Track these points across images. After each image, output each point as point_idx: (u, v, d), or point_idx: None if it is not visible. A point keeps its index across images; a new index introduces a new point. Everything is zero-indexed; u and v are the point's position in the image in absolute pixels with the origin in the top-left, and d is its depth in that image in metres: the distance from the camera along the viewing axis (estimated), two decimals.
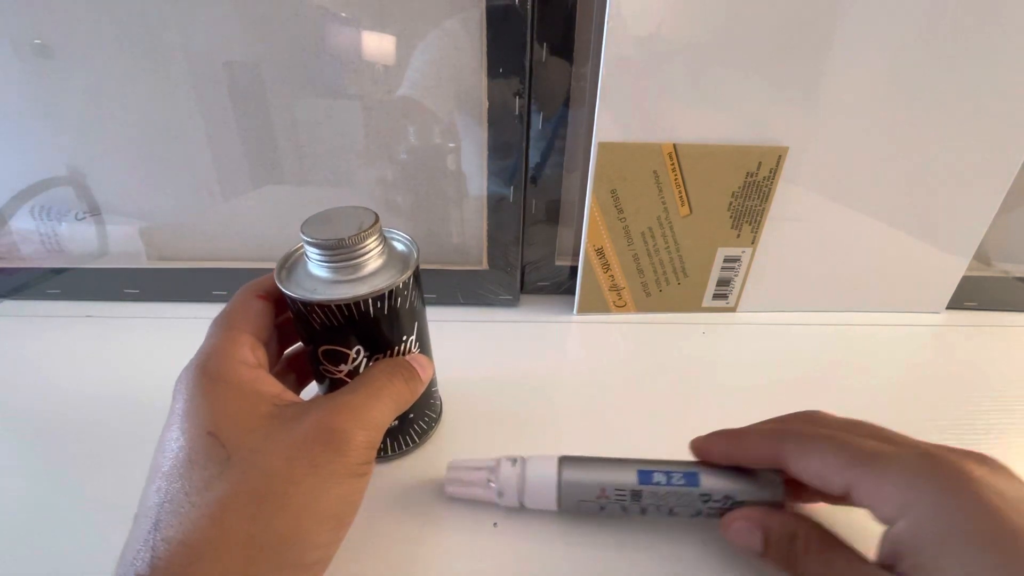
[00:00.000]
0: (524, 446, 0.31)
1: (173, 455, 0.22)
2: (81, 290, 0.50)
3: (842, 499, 0.24)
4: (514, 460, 0.29)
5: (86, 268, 0.50)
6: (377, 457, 0.34)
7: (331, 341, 0.28)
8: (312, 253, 0.27)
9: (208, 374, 0.24)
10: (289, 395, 0.26)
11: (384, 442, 0.33)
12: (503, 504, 0.29)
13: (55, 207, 0.48)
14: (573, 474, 0.28)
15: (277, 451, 0.22)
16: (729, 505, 0.27)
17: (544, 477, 0.28)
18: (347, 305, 0.26)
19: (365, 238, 0.27)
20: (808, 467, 0.24)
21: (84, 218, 0.49)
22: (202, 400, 0.23)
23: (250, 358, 0.26)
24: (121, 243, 0.50)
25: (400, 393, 0.27)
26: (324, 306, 0.26)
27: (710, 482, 0.27)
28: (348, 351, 0.28)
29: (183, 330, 0.47)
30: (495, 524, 0.30)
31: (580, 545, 0.30)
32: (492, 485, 0.28)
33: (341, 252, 0.27)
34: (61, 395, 0.39)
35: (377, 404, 0.25)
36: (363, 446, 0.23)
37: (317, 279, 0.28)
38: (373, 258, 0.28)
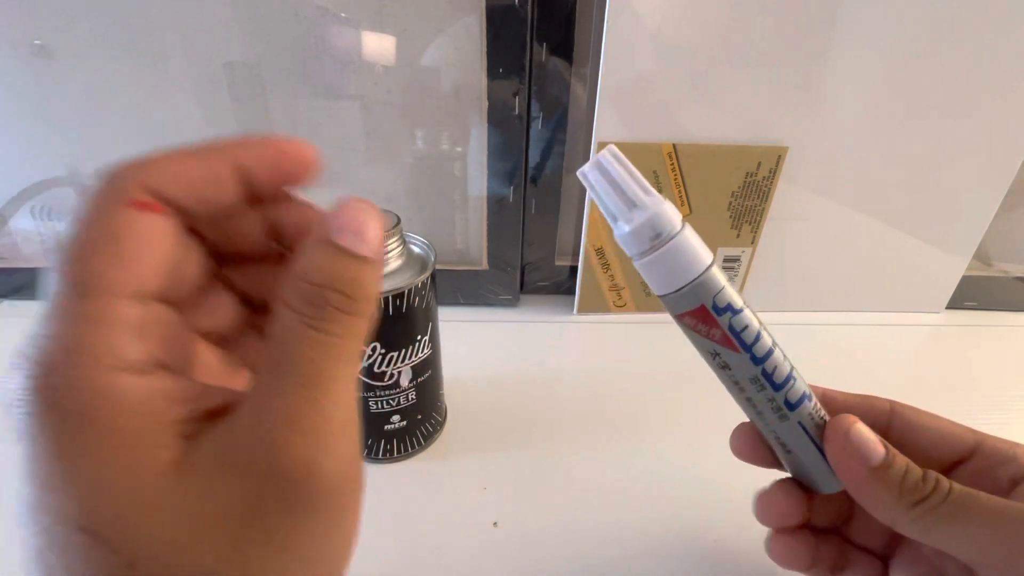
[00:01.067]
0: (525, 445, 0.31)
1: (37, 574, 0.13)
2: None
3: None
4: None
5: None
6: (379, 458, 0.34)
7: None
8: None
9: (59, 409, 0.12)
10: (209, 399, 0.14)
11: (390, 443, 0.34)
12: (624, 234, 0.20)
13: (55, 207, 0.48)
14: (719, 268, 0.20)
15: (209, 536, 0.12)
16: (822, 420, 0.22)
17: (700, 240, 0.20)
18: None
19: (387, 238, 0.28)
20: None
21: None
22: (55, 465, 0.12)
23: (133, 352, 0.13)
24: None
25: (350, 335, 0.14)
26: None
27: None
28: (364, 348, 0.29)
29: None
30: (495, 524, 0.30)
31: (580, 544, 0.30)
32: (637, 207, 0.20)
33: None
34: None
35: (333, 391, 0.13)
36: (339, 476, 0.13)
37: None
38: (393, 258, 0.29)
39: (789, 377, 0.21)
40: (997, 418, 0.39)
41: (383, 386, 0.31)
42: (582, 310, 0.50)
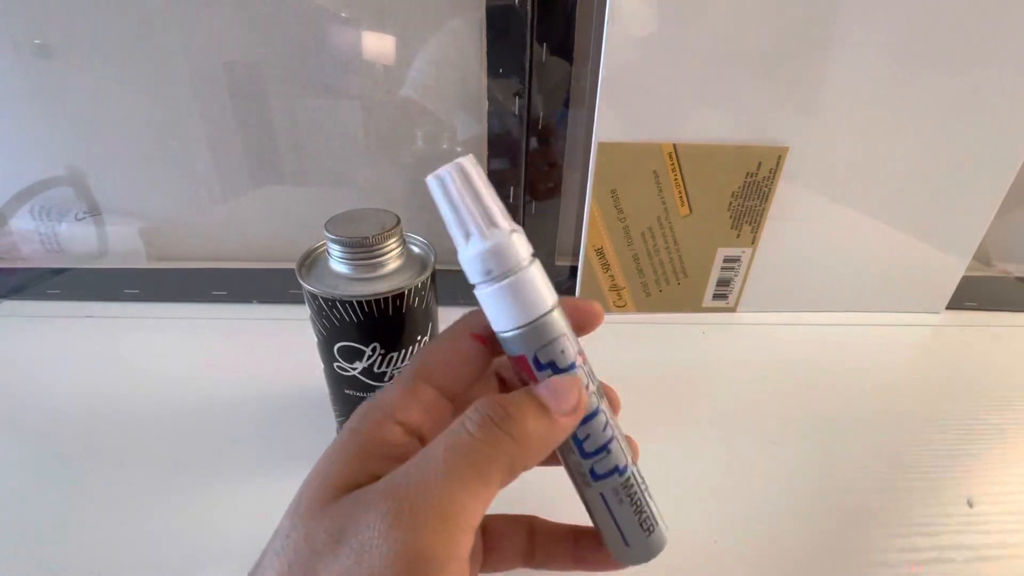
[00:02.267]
0: None
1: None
2: (81, 290, 0.50)
3: None
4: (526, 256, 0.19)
5: (86, 268, 0.50)
6: None
7: (348, 338, 0.29)
8: (335, 250, 0.28)
9: (352, 422, 0.19)
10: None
11: None
12: (474, 251, 0.18)
13: (55, 207, 0.48)
14: (563, 314, 0.19)
15: (317, 566, 0.15)
16: (644, 488, 0.21)
17: (545, 283, 0.19)
18: (367, 301, 0.27)
19: (387, 238, 0.28)
20: None
21: (84, 218, 0.49)
22: (328, 451, 0.18)
23: (412, 418, 0.19)
24: (121, 243, 0.50)
25: (510, 457, 0.17)
26: (345, 302, 0.27)
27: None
28: (364, 348, 0.29)
29: (183, 330, 0.47)
30: None
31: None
32: (473, 235, 0.18)
33: (364, 250, 0.28)
34: (61, 395, 0.39)
35: (442, 472, 0.16)
36: (412, 555, 0.15)
37: (338, 276, 0.28)
38: (393, 258, 0.29)
39: (602, 449, 0.20)
40: (997, 418, 0.40)
41: (383, 387, 0.30)
42: None
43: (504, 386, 0.23)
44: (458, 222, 0.18)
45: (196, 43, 0.42)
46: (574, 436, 0.19)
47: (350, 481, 0.17)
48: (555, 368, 0.18)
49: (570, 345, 0.19)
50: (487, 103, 0.43)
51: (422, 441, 0.19)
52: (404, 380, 0.20)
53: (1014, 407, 0.41)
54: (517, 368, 0.19)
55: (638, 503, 0.21)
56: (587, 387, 0.19)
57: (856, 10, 0.38)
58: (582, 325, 0.20)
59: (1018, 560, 0.30)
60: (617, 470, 0.20)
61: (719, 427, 0.38)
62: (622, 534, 0.21)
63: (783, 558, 0.29)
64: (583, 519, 0.22)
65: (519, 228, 0.19)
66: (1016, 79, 0.41)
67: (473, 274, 0.18)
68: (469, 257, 0.18)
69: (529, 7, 0.39)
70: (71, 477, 0.33)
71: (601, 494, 0.20)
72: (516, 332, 0.18)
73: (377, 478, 0.17)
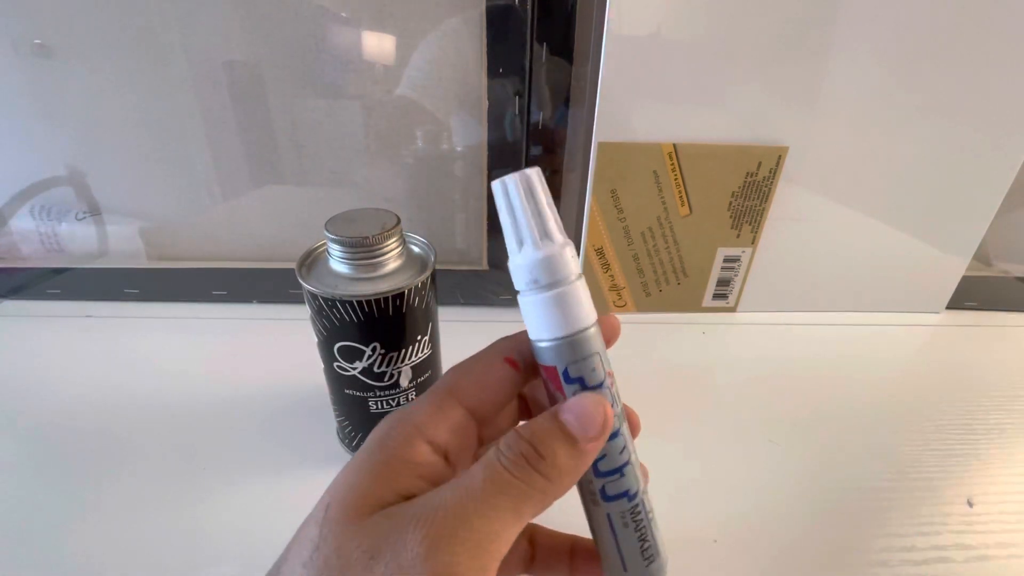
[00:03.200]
0: None
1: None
2: (81, 290, 0.50)
3: None
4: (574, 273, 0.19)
5: (86, 268, 0.50)
6: None
7: (348, 337, 0.29)
8: (335, 250, 0.28)
9: (380, 433, 0.19)
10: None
11: None
12: (525, 259, 0.19)
13: (55, 207, 0.48)
14: (599, 334, 0.20)
15: (338, 543, 0.16)
16: (650, 516, 0.22)
17: (588, 300, 0.19)
18: (367, 301, 0.27)
19: (387, 238, 0.28)
20: None
21: (84, 218, 0.49)
22: (354, 458, 0.18)
23: (440, 437, 0.19)
24: (121, 243, 0.50)
25: (526, 484, 0.17)
26: (345, 301, 0.27)
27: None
28: (364, 348, 0.29)
29: (183, 330, 0.47)
30: None
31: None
32: (526, 243, 0.19)
33: (364, 250, 0.28)
34: (61, 395, 0.39)
35: (484, 513, 0.16)
36: None
37: (338, 276, 0.28)
38: (393, 258, 0.29)
39: (616, 471, 0.20)
40: (997, 418, 0.40)
41: (383, 386, 0.30)
42: None
43: (524, 405, 0.24)
44: (514, 229, 0.19)
45: (196, 43, 0.42)
46: (601, 455, 0.19)
47: (382, 499, 0.17)
48: (583, 384, 0.19)
49: (602, 365, 0.19)
50: (487, 103, 0.43)
51: (447, 460, 0.19)
52: (435, 397, 0.20)
53: (1014, 407, 0.41)
54: (546, 377, 0.19)
55: (642, 531, 0.21)
56: (612, 406, 0.19)
57: (856, 10, 0.38)
58: (606, 339, 0.20)
59: (1018, 560, 0.30)
60: (627, 494, 0.20)
61: (719, 427, 0.38)
62: (622, 558, 0.21)
63: (783, 558, 0.29)
64: (583, 530, 0.22)
65: (571, 243, 0.19)
66: (1016, 79, 0.41)
67: (520, 281, 0.19)
68: (519, 264, 0.19)
69: (529, 7, 0.39)
70: (71, 477, 0.33)
71: (608, 515, 0.20)
72: (553, 343, 0.18)
73: (406, 497, 0.17)
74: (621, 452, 0.20)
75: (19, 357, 0.44)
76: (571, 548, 0.23)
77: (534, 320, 0.19)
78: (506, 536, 0.17)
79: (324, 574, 0.16)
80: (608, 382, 0.19)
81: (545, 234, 0.18)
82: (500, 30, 0.40)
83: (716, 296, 0.51)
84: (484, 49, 0.41)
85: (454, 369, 0.21)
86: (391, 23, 0.41)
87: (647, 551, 0.21)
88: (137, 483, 0.33)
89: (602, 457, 0.19)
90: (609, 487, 0.20)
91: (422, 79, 0.43)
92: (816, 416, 0.39)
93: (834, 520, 0.32)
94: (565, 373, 0.19)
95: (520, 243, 0.19)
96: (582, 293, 0.19)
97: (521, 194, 0.18)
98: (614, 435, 0.19)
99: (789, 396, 0.41)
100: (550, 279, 0.18)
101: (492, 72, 0.42)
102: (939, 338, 0.50)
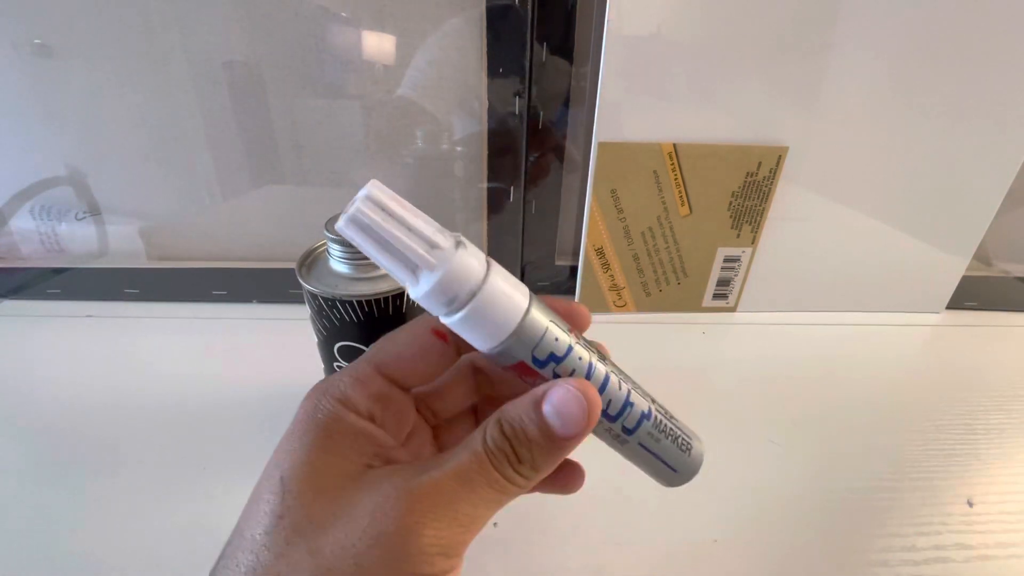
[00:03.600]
0: None
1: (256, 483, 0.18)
2: (81, 290, 0.50)
3: None
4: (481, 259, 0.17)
5: (86, 268, 0.50)
6: None
7: (348, 337, 0.29)
8: (335, 250, 0.28)
9: (309, 406, 0.19)
10: (398, 453, 0.20)
11: None
12: (426, 286, 0.16)
13: (55, 207, 0.48)
14: (541, 302, 0.19)
15: (321, 540, 0.16)
16: (669, 417, 0.21)
17: (512, 283, 0.18)
18: (367, 301, 0.27)
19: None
20: None
21: (84, 218, 0.49)
22: (290, 433, 0.19)
23: (362, 405, 0.19)
24: (121, 243, 0.50)
25: (506, 470, 0.18)
26: (345, 301, 0.27)
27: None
28: (364, 347, 0.29)
29: (183, 330, 0.47)
30: (495, 524, 0.30)
31: (580, 544, 0.30)
32: (419, 269, 0.16)
33: None
34: (61, 395, 0.39)
35: (470, 487, 0.17)
36: (434, 551, 0.16)
37: (338, 275, 0.29)
38: None
39: (625, 405, 0.20)
40: (997, 418, 0.40)
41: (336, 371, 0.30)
42: None
43: (481, 375, 0.23)
44: (395, 260, 0.16)
45: (196, 43, 0.42)
46: (605, 404, 0.20)
47: (343, 469, 0.18)
48: (555, 359, 0.18)
49: (559, 331, 0.18)
50: (487, 103, 0.43)
51: (374, 423, 0.19)
52: (356, 368, 0.20)
53: (1014, 407, 0.41)
54: (520, 374, 0.19)
55: (671, 432, 0.21)
56: (588, 361, 0.19)
57: (856, 10, 0.38)
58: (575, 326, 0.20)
59: (1018, 560, 0.30)
60: (645, 416, 0.20)
61: (719, 427, 0.38)
62: (667, 465, 0.21)
63: (783, 558, 0.29)
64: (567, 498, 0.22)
65: (458, 236, 0.17)
66: (1016, 79, 0.41)
67: (436, 308, 0.17)
68: (425, 293, 0.16)
69: (529, 7, 0.39)
70: (71, 477, 0.33)
71: (639, 443, 0.21)
72: (503, 346, 0.17)
73: (367, 467, 0.18)
74: (620, 388, 0.20)
75: (19, 357, 0.44)
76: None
77: (472, 336, 0.18)
78: (484, 520, 0.17)
79: (294, 540, 0.16)
80: (573, 341, 0.19)
81: (430, 245, 0.16)
82: (500, 30, 0.40)
83: (716, 296, 0.51)
84: (484, 49, 0.41)
85: (380, 340, 0.21)
86: (391, 23, 0.41)
87: (683, 445, 0.21)
88: (137, 483, 0.33)
89: (608, 403, 0.19)
90: (627, 422, 0.20)
91: (422, 79, 0.43)
92: (816, 416, 0.39)
93: (834, 520, 0.32)
94: (534, 360, 0.18)
95: (412, 271, 0.16)
96: (500, 282, 0.17)
97: (378, 219, 0.15)
98: (606, 380, 0.19)
99: (789, 396, 0.41)
100: (464, 290, 0.16)
101: (492, 72, 0.42)
102: (939, 338, 0.50)
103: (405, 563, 0.16)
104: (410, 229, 0.16)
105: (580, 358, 0.19)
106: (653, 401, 0.21)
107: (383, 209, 0.16)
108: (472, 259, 0.17)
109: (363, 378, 0.20)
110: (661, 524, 0.31)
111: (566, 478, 0.23)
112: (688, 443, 0.22)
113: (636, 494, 0.32)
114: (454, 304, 0.17)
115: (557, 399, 0.18)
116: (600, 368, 0.19)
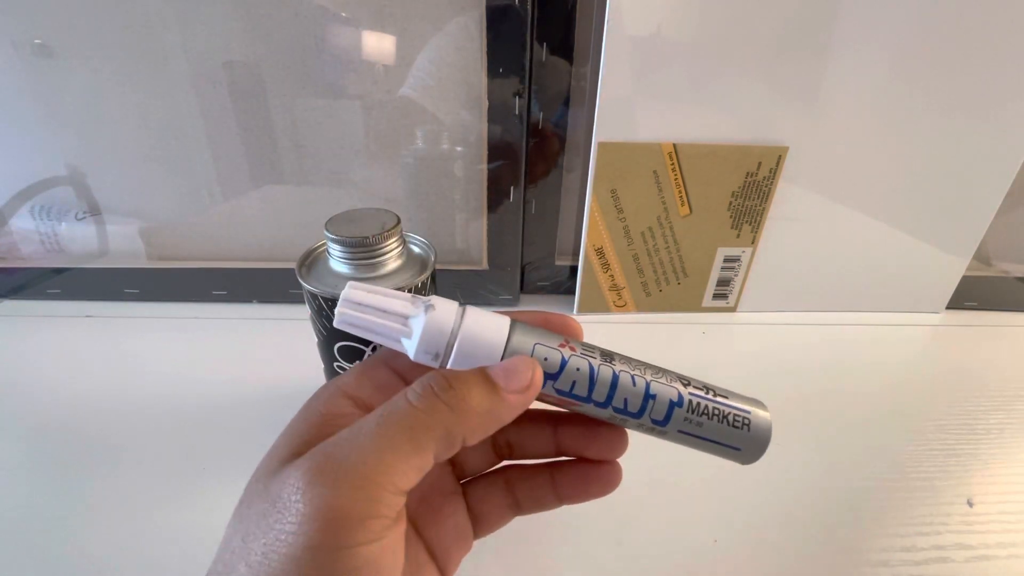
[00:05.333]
0: None
1: None
2: (81, 290, 0.50)
3: None
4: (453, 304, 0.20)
5: (86, 268, 0.50)
6: None
7: (348, 337, 0.29)
8: (335, 250, 0.28)
9: (310, 398, 0.20)
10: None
11: None
12: (412, 349, 0.19)
13: (55, 207, 0.48)
14: (525, 326, 0.20)
15: (251, 501, 0.17)
16: (711, 397, 0.21)
17: (490, 319, 0.20)
18: None
19: (387, 238, 0.28)
20: None
21: (84, 218, 0.49)
22: (290, 423, 0.20)
23: (363, 393, 0.20)
24: (121, 243, 0.50)
25: (446, 427, 0.17)
26: None
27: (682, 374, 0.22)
28: (364, 348, 0.29)
29: (183, 330, 0.47)
30: None
31: (580, 544, 0.30)
32: (403, 339, 0.19)
33: (364, 250, 0.28)
34: (61, 395, 0.39)
35: (401, 452, 0.16)
36: (327, 509, 0.15)
37: (338, 276, 0.29)
38: (393, 258, 0.29)
39: (647, 398, 0.20)
40: (997, 418, 0.39)
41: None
42: (582, 310, 0.50)
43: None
44: (383, 338, 0.19)
45: (196, 43, 0.42)
46: (614, 408, 0.20)
47: (295, 450, 0.17)
48: (552, 377, 0.19)
49: (546, 347, 0.19)
50: (487, 103, 0.43)
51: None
52: (364, 363, 0.21)
53: (1014, 407, 0.41)
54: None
55: (716, 412, 0.20)
56: (589, 368, 0.19)
57: (856, 10, 0.38)
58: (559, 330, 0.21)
59: (1018, 560, 0.30)
60: (675, 404, 0.20)
61: None
62: (726, 445, 0.21)
63: (783, 558, 0.29)
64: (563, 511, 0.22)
65: (425, 299, 0.19)
66: (1016, 79, 0.41)
67: (432, 362, 0.19)
68: (416, 356, 0.19)
69: (529, 7, 0.39)
70: (71, 477, 0.33)
71: (678, 431, 0.20)
72: None
73: None
74: (635, 385, 0.20)
75: (19, 357, 0.44)
76: (550, 474, 0.23)
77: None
78: (402, 469, 0.16)
79: (242, 527, 0.16)
80: (568, 354, 0.19)
81: (404, 318, 0.19)
82: (500, 30, 0.40)
83: (716, 296, 0.51)
84: (484, 49, 0.41)
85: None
86: (391, 23, 0.41)
87: (737, 422, 0.21)
88: (137, 483, 0.33)
89: (624, 403, 0.20)
90: (655, 414, 0.20)
91: (422, 79, 0.43)
92: (816, 416, 0.39)
93: (834, 520, 0.32)
94: (544, 377, 0.19)
95: (397, 341, 0.19)
96: (476, 324, 0.19)
97: (361, 314, 0.19)
98: (616, 376, 0.20)
99: (789, 396, 0.41)
100: (442, 344, 0.19)
101: (492, 72, 0.42)
102: (939, 338, 0.50)
103: (301, 536, 0.15)
104: (385, 312, 0.19)
105: (578, 369, 0.19)
106: (687, 384, 0.21)
107: (360, 305, 0.19)
108: (441, 316, 0.19)
109: (369, 370, 0.20)
110: (661, 524, 0.31)
111: (606, 475, 0.22)
112: (743, 419, 0.21)
113: (636, 494, 0.32)
114: (440, 357, 0.19)
115: (506, 362, 0.19)
116: (606, 372, 0.19)
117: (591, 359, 0.20)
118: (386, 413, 0.17)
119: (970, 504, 0.33)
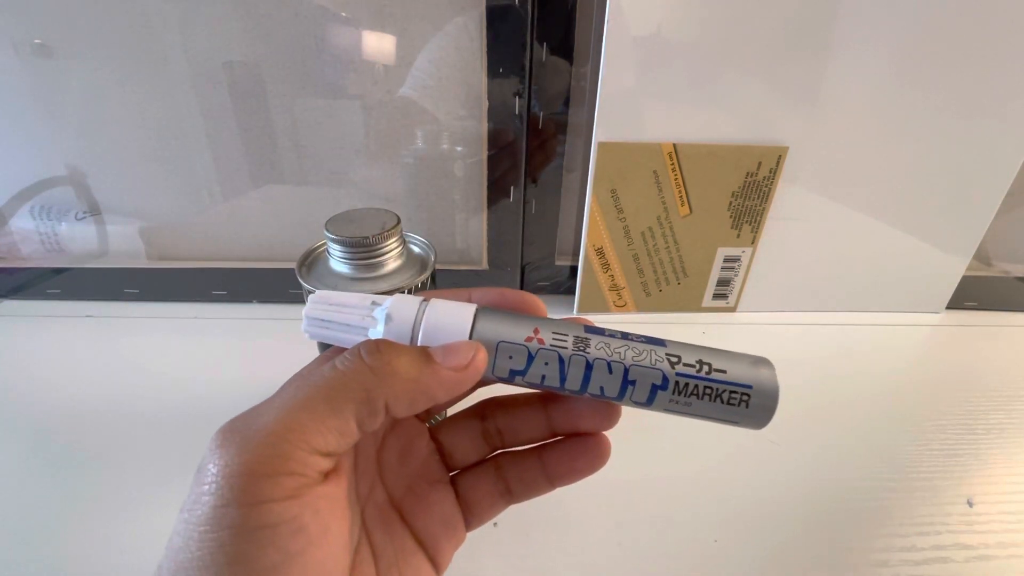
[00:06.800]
0: None
1: None
2: (81, 290, 0.50)
3: None
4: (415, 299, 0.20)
5: (86, 268, 0.50)
6: None
7: None
8: (335, 250, 0.28)
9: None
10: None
11: None
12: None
13: (55, 207, 0.48)
14: (494, 315, 0.20)
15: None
16: (704, 375, 0.19)
17: (455, 311, 0.20)
18: None
19: (387, 238, 0.28)
20: None
21: (84, 218, 0.49)
22: None
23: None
24: (121, 243, 0.50)
25: (366, 390, 0.17)
26: None
27: (679, 347, 0.20)
28: None
29: (183, 330, 0.47)
30: (495, 523, 0.30)
31: (580, 544, 0.30)
32: (374, 318, 0.19)
33: (364, 250, 0.28)
34: (61, 395, 0.39)
35: (316, 412, 0.16)
36: (238, 479, 0.15)
37: (338, 275, 0.29)
38: (393, 258, 0.29)
39: (625, 384, 0.19)
40: (997, 418, 0.40)
41: None
42: (582, 310, 0.50)
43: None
44: (351, 333, 0.20)
45: (196, 43, 0.42)
46: (591, 395, 0.19)
47: None
48: (518, 372, 0.19)
49: (511, 343, 0.19)
50: (487, 103, 0.43)
51: None
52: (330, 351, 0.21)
53: (1014, 407, 0.41)
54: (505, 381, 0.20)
55: (708, 392, 0.19)
56: (558, 363, 0.19)
57: (857, 10, 0.38)
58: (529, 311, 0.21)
59: (1018, 560, 0.30)
60: (657, 388, 0.19)
61: (718, 426, 0.38)
62: (725, 419, 0.20)
63: (783, 557, 0.29)
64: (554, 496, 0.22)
65: (385, 304, 0.20)
66: (1016, 79, 0.41)
67: (406, 340, 0.19)
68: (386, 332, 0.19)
69: (529, 7, 0.39)
70: (71, 477, 0.33)
71: (665, 409, 0.20)
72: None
73: None
74: (610, 372, 0.19)
75: (19, 357, 0.44)
76: (539, 457, 0.23)
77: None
78: (315, 427, 0.16)
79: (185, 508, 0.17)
80: (535, 347, 0.19)
81: (363, 331, 0.19)
82: (500, 30, 0.40)
83: (716, 296, 0.51)
84: (484, 49, 0.41)
85: None
86: (391, 23, 0.41)
87: (733, 398, 0.19)
88: (137, 483, 0.33)
89: (600, 388, 0.19)
90: (637, 395, 0.19)
91: (422, 79, 0.43)
92: (816, 416, 0.39)
93: (834, 520, 0.32)
94: (499, 377, 0.19)
95: (364, 332, 0.19)
96: (432, 333, 0.19)
97: (324, 330, 0.20)
98: (589, 366, 0.19)
99: (789, 396, 0.41)
100: (406, 330, 0.19)
101: (492, 72, 0.42)
102: (939, 338, 0.50)
103: (216, 495, 0.15)
104: (348, 326, 0.19)
105: (547, 363, 0.19)
106: (677, 362, 0.19)
107: (321, 320, 0.20)
108: (398, 326, 0.19)
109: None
110: (661, 524, 0.31)
111: (593, 448, 0.21)
112: (740, 396, 0.19)
113: (637, 493, 0.32)
114: (416, 330, 0.19)
115: (449, 343, 0.19)
116: (578, 361, 0.19)
117: (561, 350, 0.19)
118: (307, 373, 0.17)
119: (970, 504, 0.33)
